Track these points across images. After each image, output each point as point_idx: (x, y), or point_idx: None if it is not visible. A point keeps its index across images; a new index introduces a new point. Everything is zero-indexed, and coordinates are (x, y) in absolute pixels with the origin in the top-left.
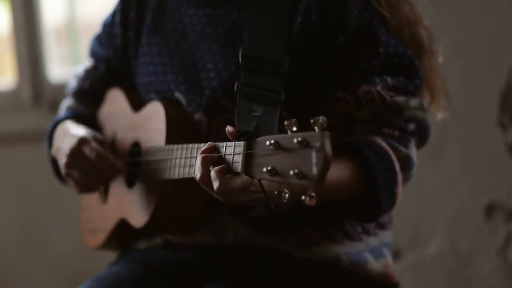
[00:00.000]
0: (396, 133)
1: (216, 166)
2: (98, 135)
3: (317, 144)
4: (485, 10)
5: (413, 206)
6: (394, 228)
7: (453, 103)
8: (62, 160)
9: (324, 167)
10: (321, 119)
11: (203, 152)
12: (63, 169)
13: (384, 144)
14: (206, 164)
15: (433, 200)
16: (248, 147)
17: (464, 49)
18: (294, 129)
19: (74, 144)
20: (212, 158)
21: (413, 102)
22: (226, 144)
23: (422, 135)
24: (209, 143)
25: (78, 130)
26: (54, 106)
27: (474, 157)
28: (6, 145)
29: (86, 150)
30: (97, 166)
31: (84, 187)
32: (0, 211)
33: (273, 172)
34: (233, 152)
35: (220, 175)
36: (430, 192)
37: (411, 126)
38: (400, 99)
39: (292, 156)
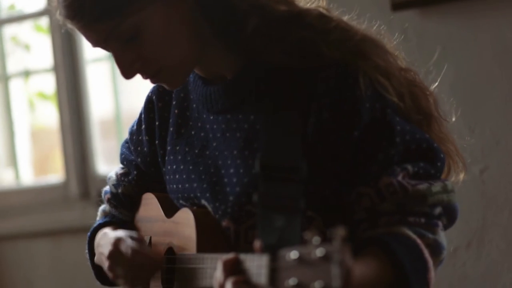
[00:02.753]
0: (422, 220)
1: (236, 277)
2: (134, 234)
3: (337, 257)
4: None
5: None
6: None
7: (493, 191)
8: (105, 264)
9: (347, 280)
10: (340, 230)
11: (224, 261)
12: (108, 273)
13: (411, 234)
14: (224, 273)
15: None
16: (272, 260)
17: (503, 136)
18: (315, 240)
19: (111, 247)
20: (232, 267)
21: (436, 187)
22: (251, 256)
23: (449, 216)
24: (231, 253)
25: (114, 233)
26: (101, 200)
27: None
28: (54, 238)
29: (122, 248)
30: (135, 262)
31: (132, 284)
32: None
33: (297, 285)
34: (258, 265)
35: (236, 285)
36: (472, 282)
37: (437, 210)
38: (423, 186)
39: (315, 269)
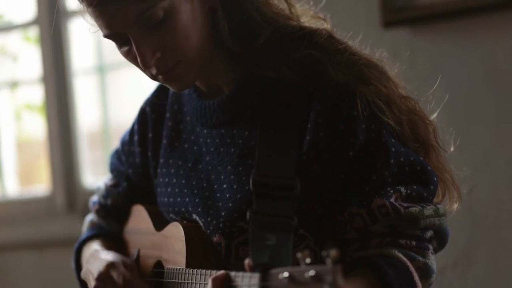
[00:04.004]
0: (413, 243)
1: None
2: (127, 260)
3: (329, 279)
4: None
5: None
6: None
7: (481, 211)
8: (91, 284)
9: None
10: (333, 252)
11: (214, 278)
12: None
13: (401, 256)
14: None
15: None
16: (263, 279)
17: (493, 158)
18: (307, 260)
19: (103, 268)
20: (222, 285)
21: (428, 210)
22: (241, 274)
23: (440, 240)
24: (222, 271)
25: (107, 255)
26: (87, 212)
27: (503, 264)
28: (40, 250)
29: (114, 275)
30: None
31: None
32: None
33: None
34: (249, 284)
35: None
36: None
37: (428, 234)
38: (415, 209)
39: None
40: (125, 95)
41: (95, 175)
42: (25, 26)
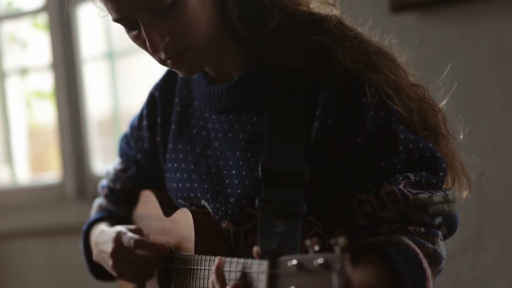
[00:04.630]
0: (422, 229)
1: (236, 282)
2: (131, 226)
3: (337, 266)
4: None
5: None
6: None
7: (490, 196)
8: (109, 263)
9: None
10: (341, 240)
11: (215, 268)
12: (112, 271)
13: (410, 243)
14: (218, 278)
15: None
16: (272, 266)
17: (500, 141)
18: (316, 248)
19: (112, 244)
20: (220, 270)
21: (437, 196)
22: (250, 261)
23: (449, 226)
24: (218, 257)
25: (112, 230)
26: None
27: None
28: (50, 237)
29: (124, 241)
30: (139, 253)
31: (139, 278)
32: None
33: None
34: (257, 271)
35: None
36: (467, 287)
37: (437, 220)
38: (424, 195)
39: (314, 277)
40: (135, 81)
41: (105, 162)
42: (34, 13)
